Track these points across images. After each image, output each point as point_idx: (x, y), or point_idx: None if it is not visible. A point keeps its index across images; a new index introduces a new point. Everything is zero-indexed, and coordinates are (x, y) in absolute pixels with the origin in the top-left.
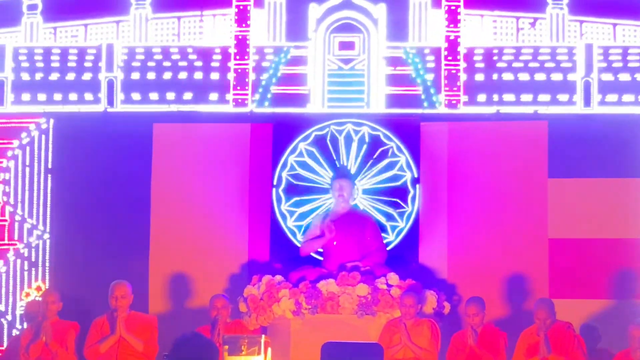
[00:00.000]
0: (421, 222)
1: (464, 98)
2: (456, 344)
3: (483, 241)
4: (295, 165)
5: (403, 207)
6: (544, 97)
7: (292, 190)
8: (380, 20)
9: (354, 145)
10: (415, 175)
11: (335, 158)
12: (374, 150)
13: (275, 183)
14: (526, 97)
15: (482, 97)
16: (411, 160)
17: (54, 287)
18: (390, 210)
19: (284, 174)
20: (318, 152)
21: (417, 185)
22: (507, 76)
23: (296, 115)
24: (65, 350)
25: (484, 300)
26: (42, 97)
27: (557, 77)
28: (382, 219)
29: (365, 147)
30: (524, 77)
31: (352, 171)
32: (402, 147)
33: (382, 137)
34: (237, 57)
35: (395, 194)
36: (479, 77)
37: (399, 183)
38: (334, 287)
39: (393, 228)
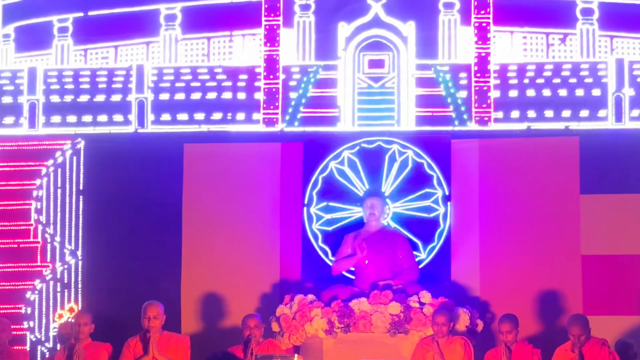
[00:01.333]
0: (453, 240)
1: (496, 115)
2: None
3: (515, 258)
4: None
5: (435, 227)
6: (575, 113)
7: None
8: (409, 38)
9: (385, 164)
10: (447, 193)
11: (365, 176)
12: (404, 168)
13: (306, 202)
14: (557, 112)
15: (512, 114)
16: (442, 177)
17: (86, 309)
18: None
19: (315, 193)
20: (349, 170)
21: (449, 203)
22: (538, 92)
23: (326, 134)
24: None
25: (517, 318)
26: (73, 119)
27: (588, 92)
28: (413, 237)
29: (396, 165)
30: (554, 93)
31: (385, 191)
32: (433, 164)
33: (412, 155)
34: (267, 77)
35: (427, 212)
36: (510, 93)
37: (430, 201)
38: (366, 306)
39: (425, 246)
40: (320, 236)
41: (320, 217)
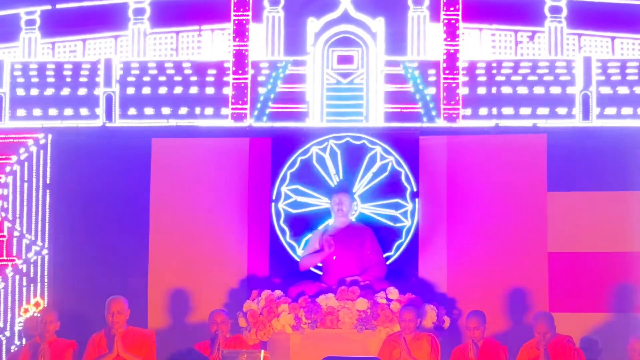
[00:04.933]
0: (420, 236)
1: (464, 112)
2: (457, 358)
3: (482, 255)
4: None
5: (402, 222)
6: (542, 111)
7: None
8: (378, 34)
9: (353, 160)
10: (415, 189)
11: (334, 172)
12: (373, 165)
13: (274, 198)
14: (525, 110)
15: (481, 111)
16: (410, 174)
17: (52, 305)
18: (389, 222)
19: (283, 189)
20: (317, 166)
21: (417, 199)
22: (506, 89)
23: (295, 130)
24: None
25: (484, 314)
26: (40, 112)
27: (555, 90)
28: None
29: (364, 161)
30: (522, 90)
31: (353, 187)
32: (401, 161)
33: (381, 151)
34: (236, 72)
35: (395, 208)
36: (478, 90)
37: (398, 197)
38: (334, 302)
39: (392, 242)
40: (288, 232)
41: (288, 212)
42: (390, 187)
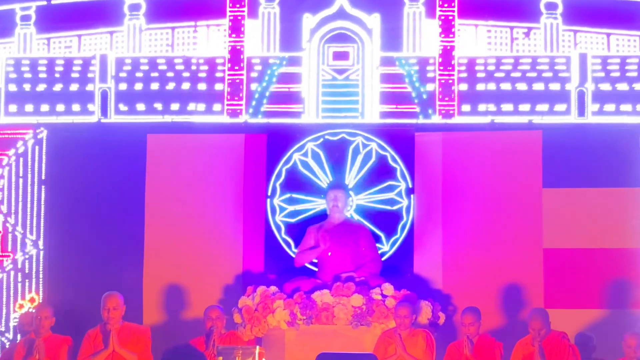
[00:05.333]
0: (416, 233)
1: (465, 108)
2: (452, 354)
3: (478, 251)
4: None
5: (398, 219)
6: (538, 107)
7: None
8: (374, 30)
9: (349, 156)
10: (410, 186)
11: (329, 169)
12: (368, 161)
13: (269, 194)
14: (520, 106)
15: (476, 107)
16: (406, 170)
17: (47, 301)
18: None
19: (278, 185)
20: (313, 162)
21: (412, 196)
22: (502, 86)
23: (290, 126)
24: None
25: (479, 310)
26: (35, 108)
27: (551, 86)
28: (376, 229)
29: (360, 157)
30: (518, 86)
31: (349, 183)
32: (397, 157)
33: (376, 147)
34: (231, 68)
35: (390, 205)
36: (474, 87)
37: (393, 193)
38: (329, 298)
39: (388, 238)
40: (283, 228)
41: (283, 208)
42: (385, 182)
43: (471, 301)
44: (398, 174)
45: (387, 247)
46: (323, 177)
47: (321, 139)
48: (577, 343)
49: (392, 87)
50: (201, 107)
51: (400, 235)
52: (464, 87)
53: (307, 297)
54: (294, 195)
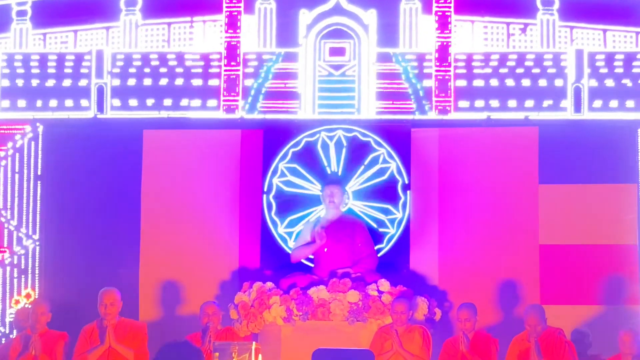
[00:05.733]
0: (412, 229)
1: (461, 104)
2: (448, 350)
3: (474, 247)
4: (285, 172)
5: (394, 214)
6: (534, 103)
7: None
8: (370, 26)
9: (345, 152)
10: (406, 182)
11: (326, 164)
12: (364, 156)
13: (265, 189)
14: (517, 102)
15: (472, 103)
16: (402, 166)
17: (43, 296)
18: (381, 216)
19: (275, 181)
20: (309, 158)
21: (408, 192)
22: (497, 82)
23: (286, 122)
24: None
25: (475, 306)
26: (31, 103)
27: (547, 82)
28: (373, 225)
29: (356, 153)
30: (514, 83)
31: (345, 179)
32: (393, 153)
33: (372, 143)
34: (227, 64)
35: (386, 200)
36: (470, 83)
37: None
38: (325, 294)
39: (384, 234)
40: (279, 224)
41: (279, 204)
42: (381, 178)
43: (467, 297)
44: (394, 170)
45: (383, 243)
46: (319, 173)
47: (318, 135)
48: (573, 339)
49: (389, 84)
50: (197, 102)
51: (396, 232)
52: (460, 83)
53: (303, 293)
54: (290, 191)
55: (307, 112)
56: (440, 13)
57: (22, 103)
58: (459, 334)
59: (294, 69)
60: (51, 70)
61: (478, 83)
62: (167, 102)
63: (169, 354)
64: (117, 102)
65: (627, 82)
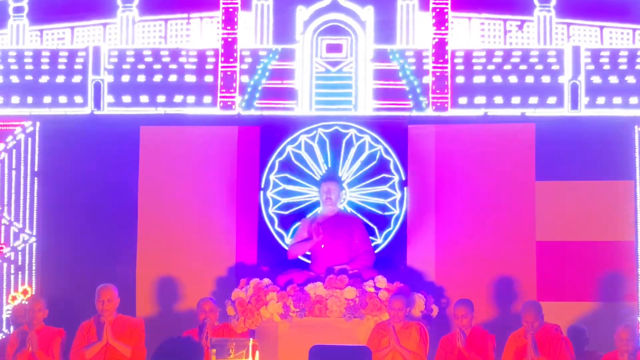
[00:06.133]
0: (409, 225)
1: (458, 100)
2: (445, 347)
3: (471, 244)
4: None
5: (391, 210)
6: (531, 100)
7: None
8: (367, 22)
9: (342, 148)
10: (403, 178)
11: (322, 161)
12: (361, 153)
13: (262, 186)
14: (514, 99)
15: (469, 100)
16: (399, 162)
17: (40, 293)
18: (377, 211)
19: (272, 177)
20: (306, 154)
21: (405, 188)
22: (495, 79)
23: (284, 118)
24: (51, 359)
25: (472, 303)
26: (28, 99)
27: (544, 79)
28: (370, 222)
29: (353, 150)
30: (511, 79)
31: (342, 175)
32: (390, 149)
33: (369, 140)
34: (224, 60)
35: (383, 197)
36: (467, 79)
37: (386, 186)
38: (322, 290)
39: (381, 231)
40: (276, 220)
41: (276, 201)
42: (378, 175)
43: (464, 294)
44: (391, 166)
45: (380, 240)
46: (316, 170)
47: (315, 132)
48: (569, 336)
49: (385, 80)
50: (194, 99)
51: (393, 228)
52: (458, 80)
53: (300, 290)
54: (287, 188)
55: (304, 109)
56: (437, 9)
57: (19, 100)
58: (456, 330)
59: (290, 66)
60: (48, 67)
61: (475, 80)
62: (164, 98)
63: (170, 349)
64: (113, 99)
65: (624, 78)
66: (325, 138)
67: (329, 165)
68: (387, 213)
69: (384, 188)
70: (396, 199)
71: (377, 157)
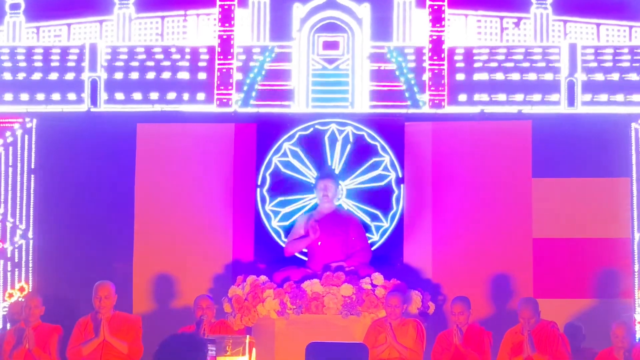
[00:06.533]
0: (406, 222)
1: (455, 98)
2: (441, 343)
3: (467, 241)
4: (279, 165)
5: (388, 208)
6: (528, 97)
7: (277, 189)
8: (364, 19)
9: (339, 145)
10: (400, 175)
11: (319, 158)
12: (358, 150)
13: (259, 183)
14: (510, 96)
15: (466, 97)
16: (395, 160)
17: (36, 290)
18: (375, 210)
19: (268, 174)
20: (302, 152)
21: (402, 185)
22: (492, 76)
23: (280, 115)
24: (48, 355)
25: (469, 300)
26: (25, 97)
27: (541, 76)
28: (367, 219)
29: (349, 147)
30: (509, 76)
31: (337, 171)
32: (387, 146)
33: (366, 137)
34: (221, 57)
35: (380, 194)
36: (464, 77)
37: (383, 183)
38: (319, 288)
39: (377, 228)
40: (273, 217)
41: (273, 198)
42: (375, 172)
43: (461, 291)
44: (388, 163)
45: (376, 237)
46: (312, 167)
47: (311, 129)
48: (566, 332)
49: (382, 78)
50: (191, 96)
51: (390, 225)
52: (455, 77)
53: (297, 287)
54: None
55: (301, 106)
56: (434, 7)
57: (15, 97)
58: (452, 327)
59: (287, 63)
60: (45, 64)
61: (472, 77)
62: (161, 95)
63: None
64: (110, 96)
65: (621, 76)
66: (322, 135)
67: (326, 163)
68: (383, 210)
69: (381, 185)
70: (393, 196)
71: (374, 154)
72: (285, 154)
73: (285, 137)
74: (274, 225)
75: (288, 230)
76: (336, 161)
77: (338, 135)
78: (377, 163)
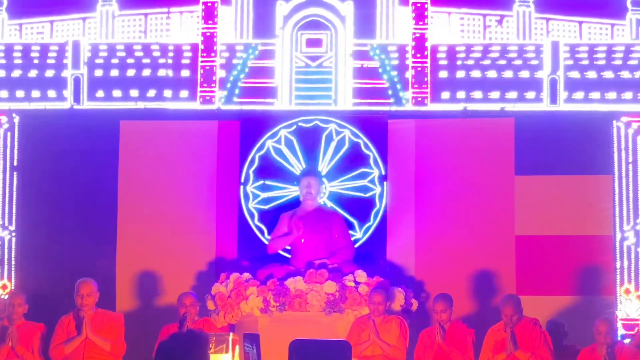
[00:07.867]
0: (389, 220)
1: (437, 95)
2: (424, 341)
3: (450, 238)
4: (271, 150)
5: (365, 220)
6: (510, 95)
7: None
8: (347, 17)
9: (322, 143)
10: (383, 173)
11: (302, 156)
12: (341, 148)
13: (242, 180)
14: (493, 94)
15: (449, 95)
16: (379, 157)
17: (20, 287)
18: (352, 219)
19: (252, 172)
20: (286, 149)
21: (385, 183)
22: (474, 73)
23: (263, 113)
24: (31, 354)
25: (451, 297)
26: (6, 94)
27: (523, 74)
28: (349, 217)
29: (333, 144)
30: (490, 74)
31: (322, 170)
32: (370, 144)
33: (349, 135)
34: (204, 54)
35: (361, 203)
36: (446, 74)
37: (367, 195)
38: (302, 285)
39: (361, 225)
40: (256, 215)
41: (256, 195)
42: (358, 169)
43: (443, 288)
44: (371, 161)
45: (360, 234)
46: (296, 164)
47: (294, 126)
48: (548, 329)
49: (365, 75)
50: (174, 93)
51: (373, 222)
52: (438, 74)
53: (280, 284)
54: (267, 182)
55: (284, 103)
56: (417, 4)
57: None
58: (435, 324)
59: (270, 60)
60: (27, 61)
61: (454, 74)
62: (145, 93)
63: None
64: (93, 93)
65: (603, 74)
66: (305, 133)
67: (309, 160)
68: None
69: (364, 182)
70: (376, 193)
71: (358, 151)
72: (268, 151)
73: (269, 134)
74: (257, 222)
75: (271, 228)
76: (319, 159)
77: (322, 133)
78: (360, 161)
